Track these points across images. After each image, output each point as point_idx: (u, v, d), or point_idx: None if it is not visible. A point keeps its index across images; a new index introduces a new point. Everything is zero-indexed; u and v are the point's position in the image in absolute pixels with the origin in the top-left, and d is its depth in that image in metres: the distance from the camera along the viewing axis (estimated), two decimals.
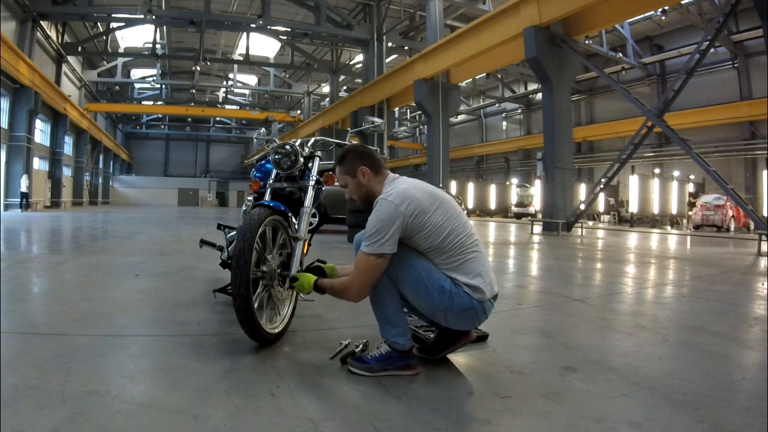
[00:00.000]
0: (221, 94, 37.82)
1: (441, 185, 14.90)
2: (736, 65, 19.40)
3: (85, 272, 3.89)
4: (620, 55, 20.82)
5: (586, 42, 18.40)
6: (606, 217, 21.53)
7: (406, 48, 23.42)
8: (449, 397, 1.54)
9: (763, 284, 4.12)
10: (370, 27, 21.01)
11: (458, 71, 16.66)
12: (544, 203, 12.21)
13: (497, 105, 31.16)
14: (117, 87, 34.56)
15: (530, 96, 28.92)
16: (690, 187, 20.03)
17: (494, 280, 1.78)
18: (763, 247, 7.08)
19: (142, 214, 17.19)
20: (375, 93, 19.87)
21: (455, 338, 1.85)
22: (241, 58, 26.55)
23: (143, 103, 39.36)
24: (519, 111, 30.91)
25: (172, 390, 1.53)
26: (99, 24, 23.63)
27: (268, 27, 20.68)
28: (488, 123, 33.78)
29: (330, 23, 20.75)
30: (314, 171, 2.35)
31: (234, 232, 2.95)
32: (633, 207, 19.13)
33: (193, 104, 37.22)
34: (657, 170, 21.13)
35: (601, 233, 12.06)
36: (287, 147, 2.32)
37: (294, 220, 2.25)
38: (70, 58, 25.31)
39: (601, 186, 12.28)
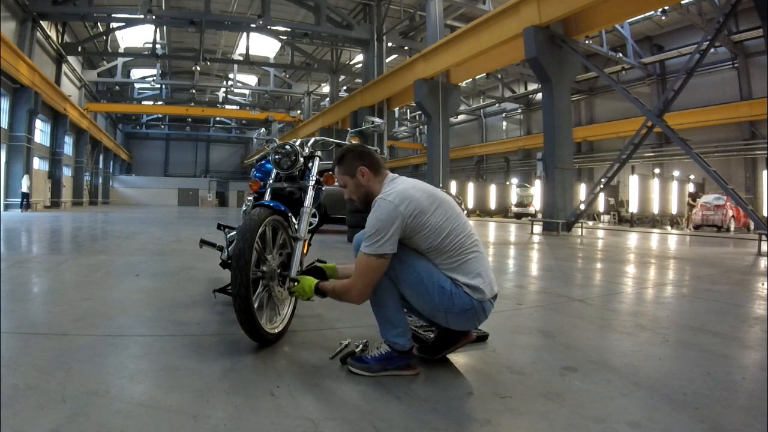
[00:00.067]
0: (221, 94, 37.82)
1: (441, 185, 14.90)
2: (736, 65, 19.40)
3: (85, 272, 3.89)
4: (620, 55, 20.82)
5: (586, 42, 18.40)
6: (606, 217, 21.53)
7: (406, 48, 23.41)
8: (449, 397, 1.54)
9: (763, 284, 4.12)
10: (370, 27, 21.01)
11: (458, 71, 16.65)
12: (544, 203, 12.20)
13: (497, 105, 31.15)
14: (117, 87, 34.56)
15: (530, 96, 28.92)
16: (690, 187, 20.03)
17: (494, 281, 1.78)
18: (763, 247, 7.08)
19: (142, 214, 17.19)
20: (375, 93, 19.87)
21: (455, 338, 1.85)
22: (241, 58, 26.55)
23: (143, 103, 39.36)
24: (519, 111, 30.91)
25: (172, 390, 1.53)
26: (99, 24, 23.63)
27: (268, 27, 20.68)
28: (488, 123, 33.77)
29: (330, 23, 20.75)
30: (314, 171, 2.35)
31: (234, 232, 2.95)
32: (633, 207, 19.13)
33: (193, 104, 37.22)
34: (657, 170, 21.13)
35: (601, 233, 12.06)
36: (287, 147, 2.32)
37: (294, 220, 2.25)
38: (70, 58, 25.31)
39: (601, 186, 12.28)
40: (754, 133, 18.78)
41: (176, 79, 33.36)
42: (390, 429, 1.31)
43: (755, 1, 8.43)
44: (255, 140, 3.55)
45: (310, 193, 2.28)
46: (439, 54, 15.75)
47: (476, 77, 24.53)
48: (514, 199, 25.31)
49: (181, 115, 39.21)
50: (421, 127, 37.77)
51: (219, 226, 3.18)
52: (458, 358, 1.92)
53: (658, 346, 2.19)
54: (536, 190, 20.74)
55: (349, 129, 3.23)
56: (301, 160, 2.34)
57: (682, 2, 15.90)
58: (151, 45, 23.35)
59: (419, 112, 29.52)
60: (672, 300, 3.43)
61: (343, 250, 6.10)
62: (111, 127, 40.43)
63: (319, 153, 2.42)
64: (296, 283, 1.88)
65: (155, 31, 22.97)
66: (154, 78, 31.60)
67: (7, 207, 16.59)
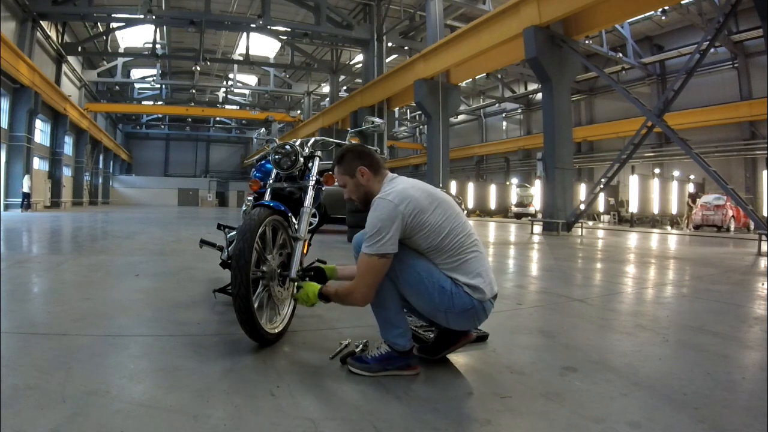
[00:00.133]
0: (221, 94, 37.82)
1: (441, 185, 14.90)
2: (736, 65, 19.39)
3: (85, 272, 3.89)
4: (620, 55, 20.81)
5: (586, 42, 18.40)
6: (606, 217, 21.53)
7: (406, 48, 23.41)
8: (449, 397, 1.54)
9: (763, 284, 4.12)
10: (370, 27, 21.01)
11: (458, 71, 16.65)
12: (544, 203, 12.20)
13: (497, 105, 31.15)
14: (117, 87, 34.56)
15: (530, 96, 28.92)
16: (690, 188, 20.04)
17: (494, 280, 1.78)
18: (763, 247, 7.08)
19: (142, 214, 17.19)
20: (375, 93, 19.87)
21: (455, 338, 1.85)
22: (241, 58, 26.54)
23: (143, 103, 39.35)
24: (519, 111, 30.91)
25: (172, 390, 1.53)
26: (99, 24, 23.62)
27: (268, 27, 20.67)
28: (488, 123, 33.77)
29: (330, 23, 20.75)
30: (314, 171, 2.35)
31: (234, 232, 2.95)
32: (633, 207, 19.13)
33: (193, 104, 37.22)
34: (657, 170, 21.13)
35: (601, 233, 12.06)
36: (287, 147, 2.32)
37: (294, 220, 2.25)
38: (70, 58, 25.31)
39: (601, 186, 12.28)
40: (754, 133, 18.78)
41: (176, 79, 33.35)
42: (390, 429, 1.31)
43: (755, 1, 8.43)
44: (255, 140, 3.55)
45: (310, 193, 2.28)
46: (439, 54, 15.75)
47: (476, 77, 24.52)
48: (514, 199, 25.31)
49: (181, 115, 39.20)
50: (421, 127, 37.77)
51: (219, 226, 3.18)
52: (458, 358, 1.92)
53: (658, 346, 2.19)
54: (536, 190, 20.74)
55: (349, 129, 3.22)
56: (301, 160, 2.34)
57: (682, 2, 15.90)
58: (151, 45, 23.35)
59: (419, 112, 29.52)
60: (672, 300, 3.43)
61: (343, 250, 6.10)
62: (111, 127, 40.43)
63: (319, 153, 2.41)
64: (299, 291, 1.87)
65: (155, 31, 22.97)
66: (154, 78, 31.59)
67: (7, 207, 16.59)
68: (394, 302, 1.74)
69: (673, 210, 19.81)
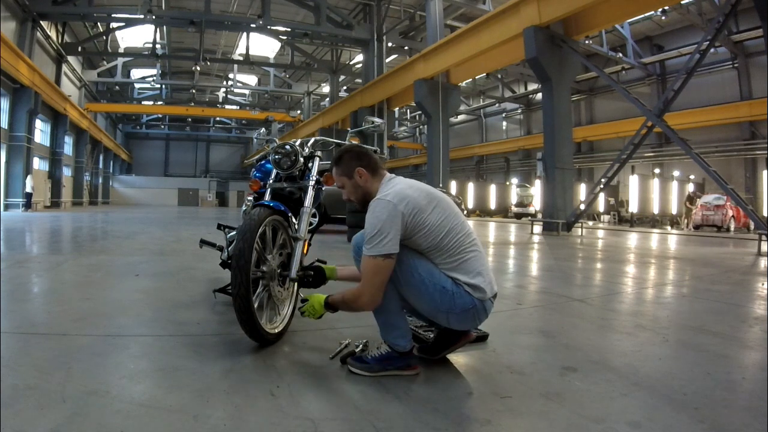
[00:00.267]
0: (221, 94, 37.81)
1: (441, 185, 14.90)
2: (736, 65, 19.39)
3: (85, 272, 3.89)
4: (620, 55, 20.81)
5: (586, 42, 18.40)
6: (606, 217, 21.53)
7: (406, 48, 23.41)
8: (449, 397, 1.54)
9: (763, 284, 4.12)
10: (370, 27, 21.01)
11: (458, 71, 16.65)
12: (544, 203, 12.21)
13: (497, 105, 31.14)
14: (117, 87, 34.55)
15: (530, 96, 28.91)
16: (690, 187, 20.04)
17: (493, 279, 1.78)
18: (763, 247, 7.08)
19: (142, 214, 17.19)
20: (375, 93, 19.87)
21: (455, 338, 1.85)
22: (241, 58, 26.54)
23: (143, 103, 39.35)
24: (519, 111, 30.91)
25: (172, 390, 1.53)
26: (99, 24, 23.62)
27: (268, 27, 20.66)
28: (488, 123, 33.77)
29: (330, 23, 20.74)
30: (314, 171, 2.35)
31: (234, 232, 2.95)
32: (633, 207, 19.14)
33: (193, 104, 37.22)
34: (657, 170, 21.13)
35: (601, 233, 12.06)
36: (287, 147, 2.32)
37: (294, 220, 2.25)
38: (70, 58, 25.30)
39: (601, 186, 12.28)
40: (754, 133, 18.78)
41: (176, 79, 33.34)
42: (390, 429, 1.31)
43: (755, 1, 8.43)
44: (255, 140, 3.55)
45: (310, 193, 2.28)
46: (439, 54, 15.75)
47: (476, 77, 24.51)
48: (514, 199, 25.31)
49: (181, 115, 39.20)
50: (421, 127, 37.77)
51: (219, 226, 3.18)
52: (458, 358, 1.92)
53: (658, 346, 2.19)
54: (536, 190, 20.74)
55: (349, 129, 3.23)
56: (301, 160, 2.34)
57: (682, 2, 15.89)
58: (151, 45, 23.35)
59: (419, 112, 29.53)
60: (672, 300, 3.43)
61: (343, 250, 6.09)
62: (111, 127, 40.42)
63: (319, 153, 2.42)
64: (304, 304, 1.87)
65: (155, 31, 22.96)
66: (154, 78, 31.59)
67: (7, 207, 16.59)
68: (394, 303, 1.73)
69: (673, 210, 19.82)
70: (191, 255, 5.22)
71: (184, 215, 18.24)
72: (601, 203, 19.27)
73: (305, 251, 2.41)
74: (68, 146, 26.03)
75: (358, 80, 26.64)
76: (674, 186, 20.04)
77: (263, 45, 27.33)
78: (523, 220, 19.45)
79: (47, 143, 22.30)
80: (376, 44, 20.71)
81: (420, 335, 2.04)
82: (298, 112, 35.37)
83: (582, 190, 18.79)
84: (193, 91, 35.29)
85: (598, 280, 4.38)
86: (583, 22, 11.85)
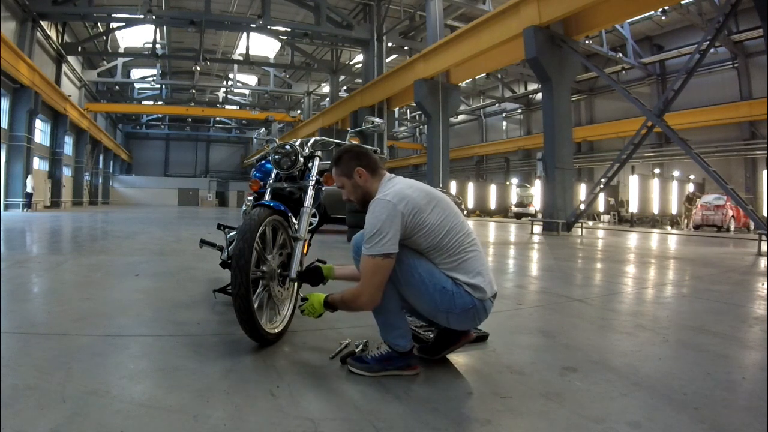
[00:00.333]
0: (221, 94, 37.82)
1: (441, 185, 14.90)
2: (736, 65, 19.40)
3: (85, 272, 3.89)
4: (620, 55, 20.81)
5: (586, 42, 18.40)
6: (606, 217, 21.54)
7: (406, 48, 23.41)
8: (449, 397, 1.54)
9: (763, 284, 4.12)
10: (370, 27, 21.01)
11: (458, 71, 16.65)
12: (544, 203, 12.21)
13: (497, 105, 31.15)
14: (117, 87, 34.55)
15: (530, 96, 28.92)
16: (690, 188, 20.05)
17: (493, 279, 1.79)
18: (763, 247, 7.08)
19: (142, 214, 17.19)
20: (375, 93, 19.87)
21: (455, 338, 1.85)
22: (241, 58, 26.55)
23: (143, 103, 39.35)
24: (519, 111, 30.91)
25: (172, 390, 1.53)
26: (99, 24, 23.62)
27: (268, 27, 20.67)
28: (488, 123, 33.78)
29: (330, 23, 20.75)
30: (314, 171, 2.35)
31: (234, 232, 2.95)
32: (633, 207, 19.14)
33: (193, 104, 37.22)
34: (657, 170, 21.14)
35: (601, 233, 12.06)
36: (287, 147, 2.32)
37: (294, 220, 2.25)
38: (70, 58, 25.30)
39: (601, 186, 12.28)
40: (754, 133, 18.78)
41: (176, 79, 33.35)
42: (390, 429, 1.31)
43: (755, 1, 8.43)
44: (255, 140, 3.55)
45: (310, 193, 2.28)
46: (439, 54, 15.75)
47: (476, 77, 24.52)
48: (514, 199, 25.32)
49: (181, 115, 39.20)
50: (421, 127, 37.77)
51: (219, 226, 3.18)
52: (458, 358, 1.92)
53: (658, 346, 2.19)
54: (536, 190, 20.75)
55: (349, 129, 3.23)
56: (301, 160, 2.34)
57: (682, 2, 15.89)
58: (151, 45, 23.35)
59: (419, 112, 29.52)
60: (672, 300, 3.43)
61: (343, 250, 6.09)
62: (111, 127, 40.42)
63: (319, 153, 2.42)
64: (304, 303, 1.87)
65: (155, 31, 22.97)
66: (154, 78, 31.59)
67: (7, 207, 16.59)
68: (394, 302, 1.73)
69: (673, 210, 19.83)
70: (191, 255, 5.22)
71: (184, 215, 18.24)
72: (601, 203, 19.28)
73: (305, 251, 2.41)
74: (68, 146, 26.04)
75: (358, 80, 26.64)
76: (674, 186, 20.05)
77: (263, 45, 27.33)
78: (523, 220, 19.45)
79: (47, 143, 22.30)
80: (376, 44, 20.71)
81: (420, 335, 2.04)
82: (298, 112, 35.37)
83: (582, 190, 18.80)
84: (193, 91, 35.29)
85: (598, 280, 4.38)
86: (583, 22, 11.85)
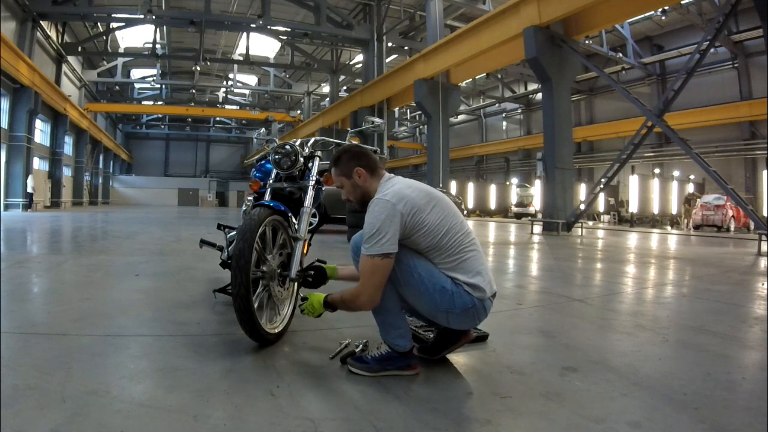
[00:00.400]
0: (221, 94, 37.82)
1: (441, 185, 14.90)
2: (736, 65, 19.40)
3: (85, 272, 3.89)
4: (620, 55, 20.82)
5: (586, 42, 18.40)
6: (606, 217, 21.54)
7: (406, 48, 23.41)
8: (449, 397, 1.54)
9: (763, 284, 4.12)
10: (370, 27, 21.01)
11: (458, 71, 16.65)
12: (544, 203, 12.21)
13: (497, 105, 31.15)
14: (117, 87, 34.55)
15: (530, 96, 28.92)
16: (690, 188, 20.05)
17: (493, 279, 1.79)
18: (763, 247, 7.08)
19: (142, 214, 17.19)
20: (375, 93, 19.88)
21: (455, 338, 1.85)
22: (241, 58, 26.55)
23: (143, 103, 39.36)
24: (519, 111, 30.91)
25: (172, 390, 1.53)
26: (99, 24, 23.63)
27: (268, 27, 20.67)
28: (488, 123, 33.78)
29: (330, 23, 20.75)
30: (314, 171, 2.35)
31: (234, 232, 2.95)
32: (633, 207, 19.15)
33: (193, 104, 37.22)
34: (657, 170, 21.15)
35: (601, 233, 12.06)
36: (287, 147, 2.32)
37: (294, 220, 2.25)
38: (70, 58, 25.30)
39: (601, 186, 12.29)
40: (754, 133, 18.78)
41: (176, 79, 33.35)
42: (390, 429, 1.31)
43: (755, 1, 8.43)
44: (255, 140, 3.55)
45: (310, 193, 2.28)
46: (439, 54, 15.75)
47: (476, 77, 24.52)
48: (514, 199, 25.32)
49: (181, 115, 39.21)
50: (421, 127, 37.77)
51: (219, 226, 3.18)
52: (458, 358, 1.92)
53: (658, 346, 2.19)
54: (536, 190, 20.75)
55: (349, 129, 3.23)
56: (301, 160, 2.34)
57: (682, 2, 15.89)
58: (151, 45, 23.35)
59: (419, 112, 29.53)
60: (672, 300, 3.43)
61: (343, 250, 6.09)
62: (111, 127, 40.43)
63: (319, 153, 2.42)
64: (304, 302, 1.87)
65: (155, 31, 22.96)
66: (154, 78, 31.59)
67: (7, 207, 16.59)
68: (394, 303, 1.73)
69: (673, 210, 19.84)
70: (191, 255, 5.22)
71: (184, 215, 18.24)
72: (601, 203, 19.28)
73: (305, 251, 2.41)
74: (68, 146, 26.04)
75: (358, 80, 26.64)
76: (674, 186, 20.05)
77: (263, 45, 27.33)
78: (523, 220, 19.45)
79: (47, 143, 22.30)
80: (376, 44, 20.71)
81: (420, 335, 2.04)
82: (298, 112, 35.37)
83: (582, 190, 18.80)
84: (193, 91, 35.29)
85: (598, 280, 4.38)
86: (583, 22, 11.85)
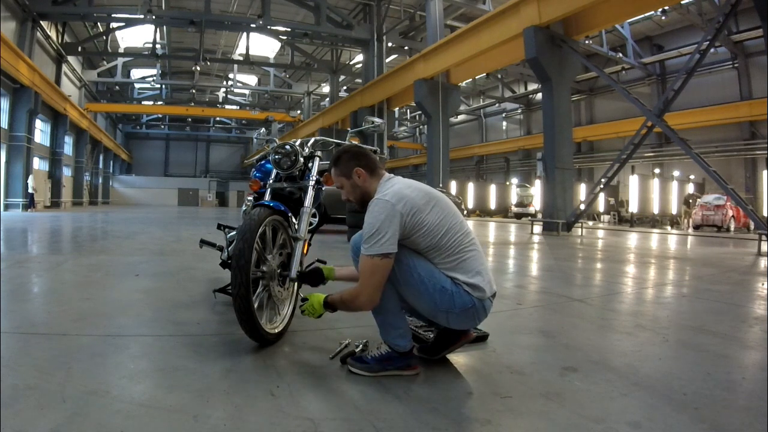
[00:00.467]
0: (221, 94, 37.82)
1: (441, 185, 14.90)
2: (736, 65, 19.40)
3: (85, 272, 3.89)
4: (620, 55, 20.82)
5: (586, 42, 18.40)
6: (606, 217, 21.54)
7: (406, 48, 23.41)
8: (449, 397, 1.54)
9: (763, 284, 4.12)
10: (370, 27, 21.01)
11: (458, 71, 16.65)
12: (544, 203, 12.21)
13: (497, 105, 31.15)
14: (117, 87, 34.54)
15: (530, 96, 28.92)
16: (690, 188, 20.05)
17: (492, 279, 1.79)
18: (763, 247, 7.08)
19: (142, 214, 17.19)
20: (375, 93, 19.88)
21: (455, 338, 1.85)
22: (241, 58, 26.55)
23: (143, 103, 39.35)
24: (519, 111, 30.92)
25: (172, 390, 1.53)
26: (99, 24, 23.62)
27: (268, 27, 20.67)
28: (488, 123, 33.78)
29: (330, 23, 20.75)
30: (314, 171, 2.35)
31: (234, 232, 2.95)
32: (633, 207, 19.15)
33: (193, 104, 37.21)
34: (657, 170, 21.15)
35: (601, 233, 12.06)
36: (287, 147, 2.32)
37: (294, 220, 2.25)
38: (70, 58, 25.30)
39: (601, 186, 12.29)
40: (754, 133, 18.79)
41: (176, 79, 33.35)
42: (390, 429, 1.31)
43: (755, 1, 8.43)
44: (255, 140, 3.55)
45: (310, 193, 2.29)
46: (439, 54, 15.75)
47: (476, 77, 24.52)
48: (514, 199, 25.32)
49: (181, 115, 39.20)
50: (421, 127, 37.77)
51: (219, 226, 3.17)
52: (458, 358, 1.92)
53: (658, 346, 2.19)
54: (536, 190, 20.75)
55: (349, 129, 3.23)
56: (301, 160, 2.34)
57: (682, 2, 15.89)
58: (151, 45, 23.35)
59: (419, 112, 29.52)
60: (672, 300, 3.43)
61: (343, 250, 6.09)
62: (111, 127, 40.42)
63: (319, 153, 2.42)
64: (304, 303, 1.88)
65: (155, 31, 22.96)
66: (154, 78, 31.59)
67: (7, 207, 16.59)
68: (393, 302, 1.73)
69: (673, 210, 19.84)
70: (191, 255, 5.22)
71: (184, 215, 18.24)
72: (601, 203, 19.28)
73: (305, 251, 2.41)
74: (68, 146, 26.03)
75: (358, 80, 26.64)
76: (674, 186, 20.06)
77: (263, 45, 27.33)
78: (523, 220, 19.45)
79: (47, 143, 22.30)
80: (376, 44, 20.71)
81: (420, 335, 2.04)
82: (298, 112, 35.37)
83: (582, 190, 18.80)
84: (193, 91, 35.28)
85: (598, 280, 4.38)
86: (583, 22, 11.85)
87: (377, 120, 2.54)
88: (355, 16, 22.40)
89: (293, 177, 2.40)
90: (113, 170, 40.37)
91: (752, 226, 13.41)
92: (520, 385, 1.66)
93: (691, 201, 17.91)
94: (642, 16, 17.37)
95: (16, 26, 17.87)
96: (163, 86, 34.58)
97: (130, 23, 20.92)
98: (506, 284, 3.82)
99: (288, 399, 1.49)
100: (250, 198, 2.98)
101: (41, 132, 21.53)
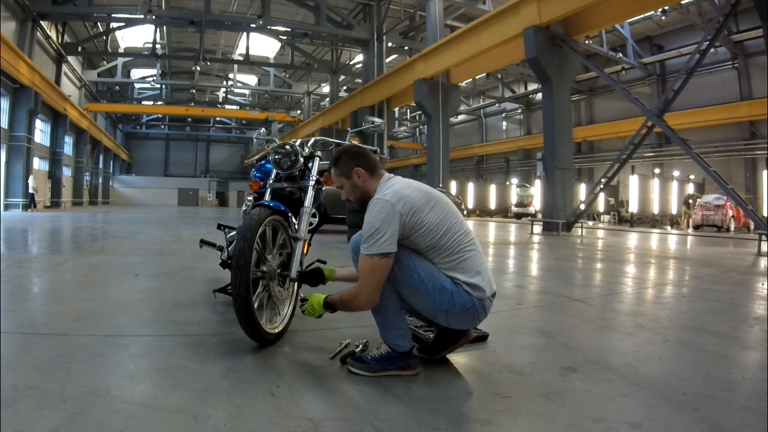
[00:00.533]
0: (221, 94, 37.82)
1: (441, 185, 14.90)
2: (736, 65, 19.40)
3: (85, 272, 3.89)
4: (620, 55, 20.82)
5: (586, 42, 18.41)
6: (606, 217, 21.54)
7: (406, 48, 23.42)
8: (449, 397, 1.54)
9: (763, 284, 4.12)
10: (370, 27, 21.01)
11: (458, 71, 16.65)
12: (544, 203, 12.21)
13: (497, 105, 31.15)
14: (117, 87, 34.54)
15: (530, 96, 28.92)
16: (690, 188, 20.05)
17: (492, 278, 1.79)
18: (763, 247, 7.08)
19: (142, 214, 17.19)
20: (375, 93, 19.88)
21: (455, 338, 1.85)
22: (241, 58, 26.55)
23: (143, 103, 39.35)
24: (519, 111, 30.92)
25: (172, 390, 1.53)
26: (99, 24, 23.62)
27: (268, 27, 20.67)
28: (488, 123, 33.78)
29: (330, 23, 20.75)
30: (314, 171, 2.35)
31: (234, 232, 2.95)
32: (633, 207, 19.15)
33: (193, 104, 37.21)
34: (657, 170, 21.14)
35: (601, 233, 12.06)
36: (287, 147, 2.32)
37: (294, 220, 2.25)
38: (70, 58, 25.29)
39: (601, 186, 12.29)
40: (754, 133, 18.78)
41: (176, 79, 33.34)
42: (390, 429, 1.31)
43: (755, 1, 8.43)
44: (255, 140, 3.55)
45: (310, 193, 2.29)
46: (439, 54, 15.75)
47: (476, 77, 24.52)
48: (514, 199, 25.32)
49: (181, 115, 39.20)
50: (421, 127, 37.77)
51: (219, 226, 3.17)
52: (458, 358, 1.92)
53: (658, 346, 2.19)
54: (536, 190, 20.75)
55: (349, 129, 3.23)
56: (301, 160, 2.34)
57: (682, 2, 15.89)
58: (151, 45, 23.35)
59: (419, 112, 29.52)
60: (672, 300, 3.43)
61: (343, 250, 6.09)
62: (111, 127, 40.42)
63: (319, 153, 2.42)
64: (304, 303, 1.88)
65: (155, 31, 22.96)
66: (154, 78, 31.59)
67: (7, 207, 16.59)
68: (393, 302, 1.73)
69: (673, 210, 19.84)
70: (191, 255, 5.22)
71: (184, 215, 18.24)
72: (601, 203, 19.28)
73: (305, 251, 2.41)
74: (68, 146, 26.03)
75: (358, 80, 26.64)
76: (674, 186, 20.06)
77: (263, 45, 27.33)
78: (523, 220, 19.45)
79: (47, 143, 22.30)
80: (376, 44, 20.71)
81: (420, 335, 2.04)
82: (298, 112, 35.37)
83: (582, 190, 18.80)
84: (193, 91, 35.27)
85: (598, 280, 4.38)
86: (583, 22, 11.85)
87: (377, 120, 2.54)
88: (355, 16, 22.40)
89: (293, 177, 2.40)
90: (113, 170, 40.37)
91: (752, 226, 13.41)
92: (520, 385, 1.66)
93: (691, 201, 17.90)
94: (642, 16, 17.37)
95: (16, 26, 17.87)
96: (163, 86, 34.58)
97: (130, 23, 20.92)
98: (506, 284, 3.82)
99: (288, 399, 1.49)
100: (250, 198, 2.98)
101: (41, 132, 21.53)
